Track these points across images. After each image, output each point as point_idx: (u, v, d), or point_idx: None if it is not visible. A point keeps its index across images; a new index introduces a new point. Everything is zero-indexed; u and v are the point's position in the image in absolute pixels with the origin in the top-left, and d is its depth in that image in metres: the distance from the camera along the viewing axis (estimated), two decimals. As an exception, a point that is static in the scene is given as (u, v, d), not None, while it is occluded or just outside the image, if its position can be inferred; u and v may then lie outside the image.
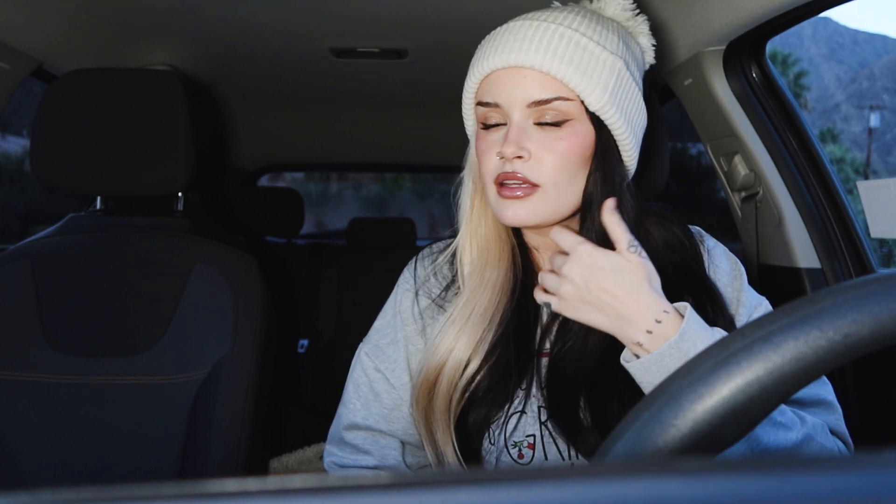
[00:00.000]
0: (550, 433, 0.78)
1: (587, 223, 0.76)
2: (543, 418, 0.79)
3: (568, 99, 0.73)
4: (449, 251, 0.87)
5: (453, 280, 0.86)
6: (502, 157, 0.74)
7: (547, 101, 0.73)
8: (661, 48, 1.28)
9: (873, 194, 0.95)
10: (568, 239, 0.70)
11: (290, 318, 2.28)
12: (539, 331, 0.82)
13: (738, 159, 1.30)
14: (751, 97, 1.26)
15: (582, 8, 0.80)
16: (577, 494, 0.22)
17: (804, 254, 1.24)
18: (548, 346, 0.81)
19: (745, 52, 1.23)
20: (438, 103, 1.90)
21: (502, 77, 0.75)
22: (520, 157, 0.73)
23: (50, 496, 0.22)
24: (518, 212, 0.74)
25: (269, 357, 1.17)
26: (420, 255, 0.91)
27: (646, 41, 0.83)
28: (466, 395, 0.78)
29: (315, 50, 1.45)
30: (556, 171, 0.74)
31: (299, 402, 2.25)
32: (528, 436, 0.79)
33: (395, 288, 0.91)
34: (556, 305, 0.70)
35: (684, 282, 0.79)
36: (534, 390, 0.80)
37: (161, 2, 1.21)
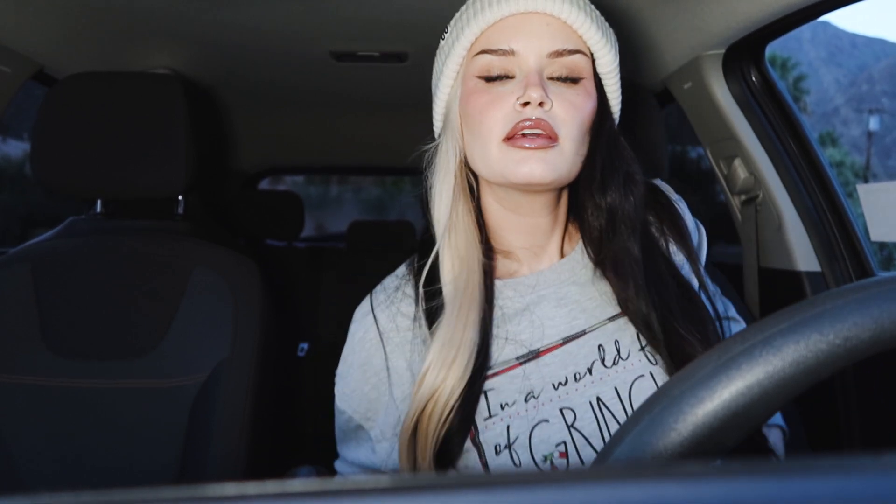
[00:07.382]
0: (582, 435, 0.70)
1: (595, 196, 0.70)
2: (570, 421, 0.70)
3: (584, 54, 0.69)
4: (419, 282, 0.76)
5: (418, 298, 0.75)
6: (525, 104, 0.65)
7: (568, 53, 0.68)
8: (661, 51, 1.29)
9: (873, 198, 0.95)
10: None
11: (289, 322, 2.28)
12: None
13: (737, 163, 1.30)
14: (750, 101, 1.26)
15: None
16: (578, 498, 0.22)
17: (804, 257, 1.24)
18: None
19: (745, 55, 1.24)
20: (438, 107, 1.90)
21: (519, 23, 0.69)
22: (542, 105, 0.65)
23: (49, 500, 0.22)
24: (535, 167, 0.65)
25: (268, 360, 1.16)
26: (375, 302, 0.81)
27: None
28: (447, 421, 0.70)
29: (315, 54, 1.45)
30: (573, 126, 0.67)
31: (299, 405, 2.25)
32: (557, 445, 0.70)
33: (353, 337, 0.83)
34: None
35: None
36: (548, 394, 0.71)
37: (162, 6, 1.21)
